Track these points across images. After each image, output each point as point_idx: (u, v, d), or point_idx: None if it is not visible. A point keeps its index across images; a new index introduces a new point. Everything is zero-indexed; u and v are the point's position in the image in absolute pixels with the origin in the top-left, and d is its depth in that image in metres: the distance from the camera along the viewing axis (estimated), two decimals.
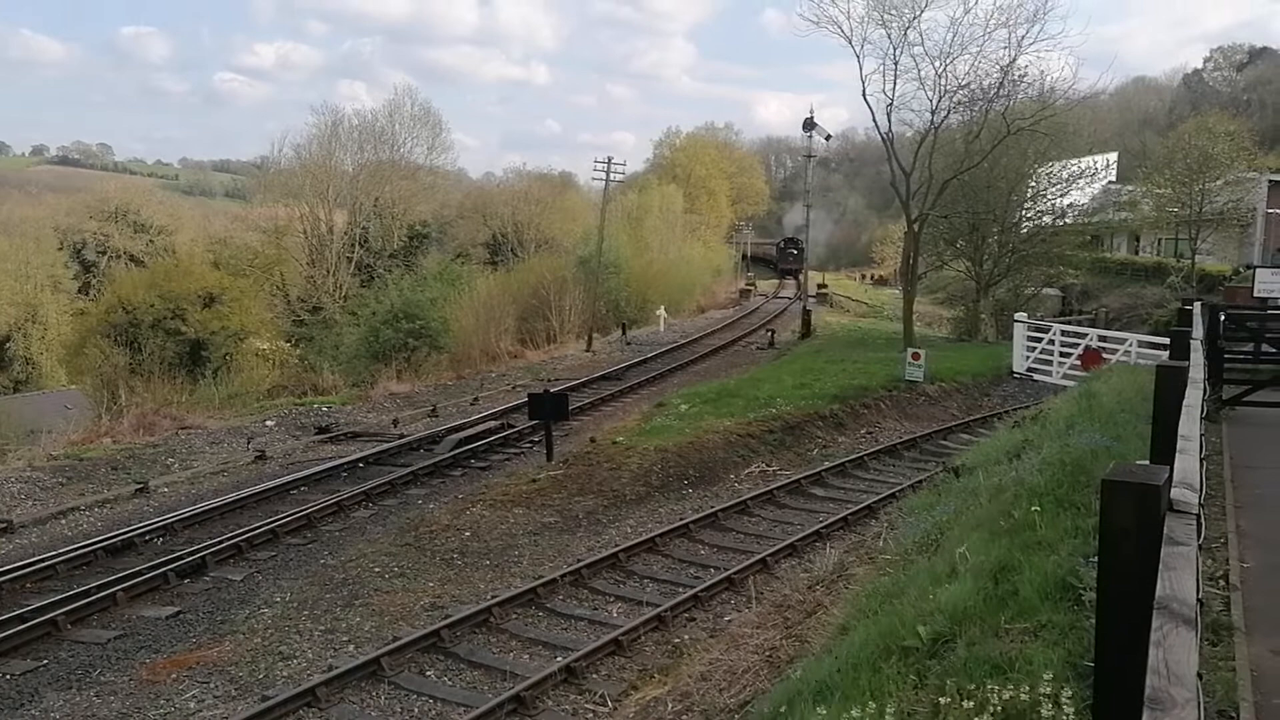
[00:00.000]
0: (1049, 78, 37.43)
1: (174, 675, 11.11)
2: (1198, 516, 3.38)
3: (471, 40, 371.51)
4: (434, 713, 10.17)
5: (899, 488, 17.13)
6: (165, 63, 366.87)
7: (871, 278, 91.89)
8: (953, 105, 37.12)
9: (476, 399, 29.59)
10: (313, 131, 66.86)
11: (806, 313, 46.16)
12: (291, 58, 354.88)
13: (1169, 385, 6.20)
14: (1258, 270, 25.71)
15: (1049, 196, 41.54)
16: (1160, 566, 2.89)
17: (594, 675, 10.88)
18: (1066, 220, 42.49)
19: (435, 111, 73.91)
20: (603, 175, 46.13)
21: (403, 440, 23.02)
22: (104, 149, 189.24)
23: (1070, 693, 4.25)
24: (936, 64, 36.53)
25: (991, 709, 4.38)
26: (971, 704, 4.47)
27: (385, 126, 69.18)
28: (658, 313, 49.75)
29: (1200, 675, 2.44)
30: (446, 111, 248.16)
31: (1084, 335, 28.99)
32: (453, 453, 21.35)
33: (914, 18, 35.83)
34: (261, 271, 57.98)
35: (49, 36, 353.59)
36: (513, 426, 23.88)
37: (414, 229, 67.15)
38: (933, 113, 36.91)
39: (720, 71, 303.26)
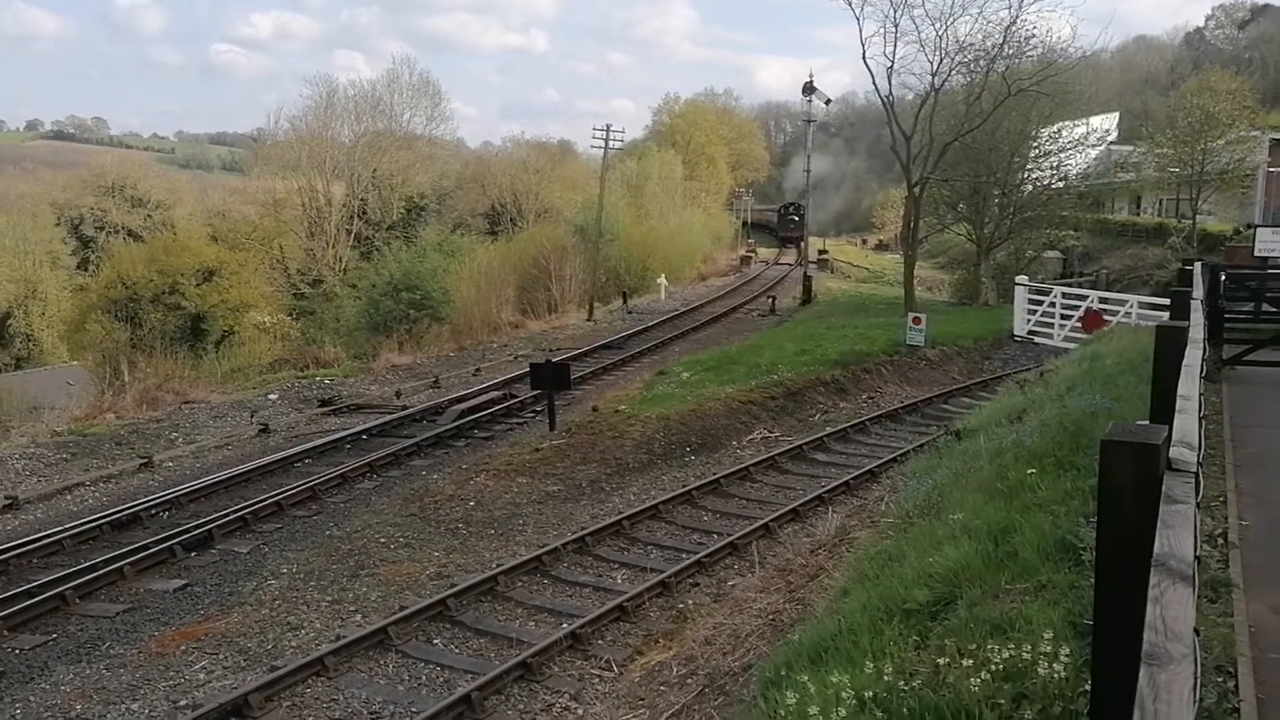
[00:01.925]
0: (1051, 37, 37.18)
1: (183, 647, 11.19)
2: (1196, 475, 3.39)
3: (470, 7, 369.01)
4: (442, 680, 10.27)
5: (900, 452, 17.17)
6: (161, 35, 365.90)
7: (871, 243, 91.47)
8: (953, 67, 36.91)
9: (478, 369, 29.61)
10: (308, 103, 66.43)
11: (807, 279, 46.15)
12: (289, 28, 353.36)
13: (1168, 345, 6.19)
14: (1258, 229, 25.58)
15: (1050, 159, 41.27)
16: (1159, 524, 2.91)
17: (599, 641, 10.98)
18: (1068, 181, 42.24)
19: (434, 81, 73.59)
20: (602, 143, 45.92)
21: (405, 411, 23.07)
22: (99, 123, 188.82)
23: (1069, 650, 4.29)
24: (937, 25, 36.34)
25: (991, 668, 4.42)
26: (971, 663, 4.51)
27: (383, 96, 68.65)
28: (658, 281, 49.64)
29: (1198, 631, 2.46)
30: (445, 81, 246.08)
31: (1085, 297, 28.91)
32: (456, 423, 21.39)
33: None
34: (260, 245, 57.63)
35: (43, 9, 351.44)
36: (515, 396, 23.91)
37: (412, 200, 66.69)
38: (933, 75, 36.73)
39: (721, 36, 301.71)
